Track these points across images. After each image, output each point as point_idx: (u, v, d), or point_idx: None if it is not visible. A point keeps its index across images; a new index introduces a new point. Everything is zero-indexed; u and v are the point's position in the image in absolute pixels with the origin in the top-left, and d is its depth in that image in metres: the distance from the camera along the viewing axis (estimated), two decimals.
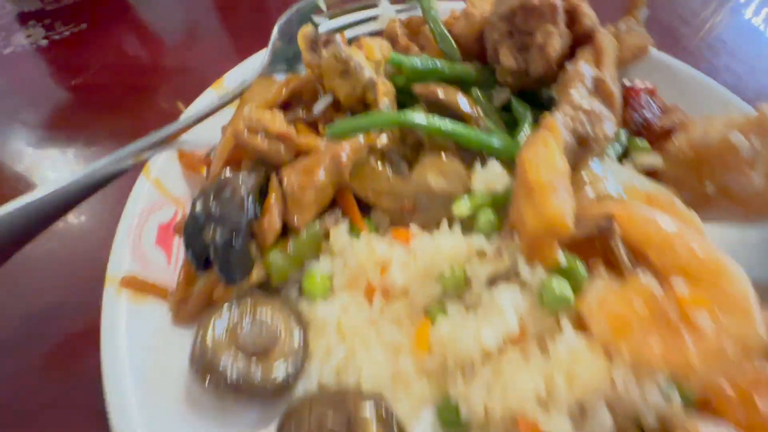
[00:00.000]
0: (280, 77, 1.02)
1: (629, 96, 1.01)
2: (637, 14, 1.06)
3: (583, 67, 0.81)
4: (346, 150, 0.75)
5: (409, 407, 0.68)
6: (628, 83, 1.07)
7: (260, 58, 1.04)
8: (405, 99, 0.98)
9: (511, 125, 0.97)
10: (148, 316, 0.70)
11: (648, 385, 0.58)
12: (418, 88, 0.83)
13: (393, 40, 1.07)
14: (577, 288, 0.65)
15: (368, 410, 0.57)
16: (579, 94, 0.77)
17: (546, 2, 0.86)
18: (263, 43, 1.23)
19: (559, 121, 0.74)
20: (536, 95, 0.99)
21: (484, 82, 1.01)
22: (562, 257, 0.64)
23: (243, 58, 1.53)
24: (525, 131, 0.89)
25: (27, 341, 0.85)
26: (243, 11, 1.69)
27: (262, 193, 0.75)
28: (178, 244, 0.79)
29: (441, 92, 0.81)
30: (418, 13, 1.12)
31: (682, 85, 1.08)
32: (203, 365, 0.59)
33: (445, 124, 0.79)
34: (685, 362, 0.54)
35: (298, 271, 0.76)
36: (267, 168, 0.77)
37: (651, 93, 1.08)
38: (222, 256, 0.64)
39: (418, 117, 0.78)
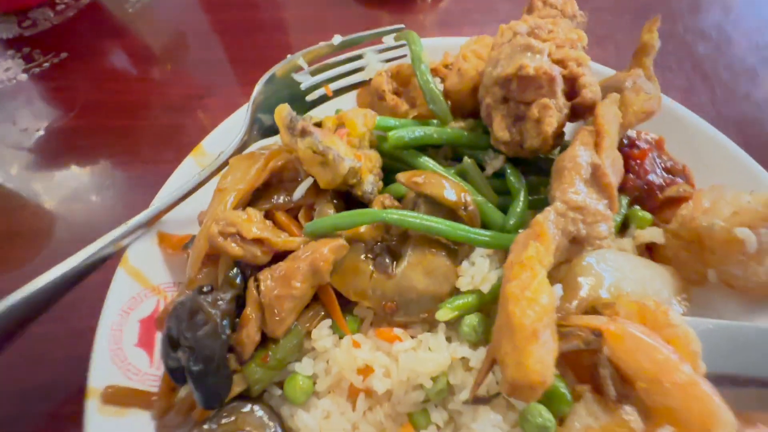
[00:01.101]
0: (263, 142, 0.98)
1: (633, 159, 0.94)
2: (647, 62, 0.97)
3: (580, 152, 0.75)
4: (324, 254, 0.71)
5: None
6: (633, 135, 1.00)
7: (240, 119, 0.98)
8: (393, 164, 0.94)
9: (505, 191, 0.92)
10: (131, 429, 0.70)
11: None
12: (401, 178, 0.78)
13: (380, 96, 1.01)
14: (559, 411, 0.64)
15: None
16: (574, 189, 0.72)
17: (544, 73, 0.79)
18: (252, 74, 1.17)
19: (550, 222, 0.69)
20: (533, 160, 0.93)
21: (475, 144, 0.95)
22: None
23: (230, 82, 1.47)
24: (519, 209, 0.84)
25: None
26: (231, 35, 1.59)
27: (240, 298, 0.73)
28: (159, 342, 0.79)
29: (425, 184, 0.76)
30: (407, 57, 1.05)
31: (692, 139, 1.00)
32: None
33: (428, 221, 0.74)
34: None
35: (279, 372, 0.75)
36: (244, 269, 0.74)
37: (658, 146, 1.01)
38: (197, 385, 0.64)
39: (399, 214, 0.74)
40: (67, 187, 1.25)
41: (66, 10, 1.68)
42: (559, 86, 0.81)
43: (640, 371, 0.61)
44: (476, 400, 0.65)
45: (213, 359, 0.64)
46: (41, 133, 1.36)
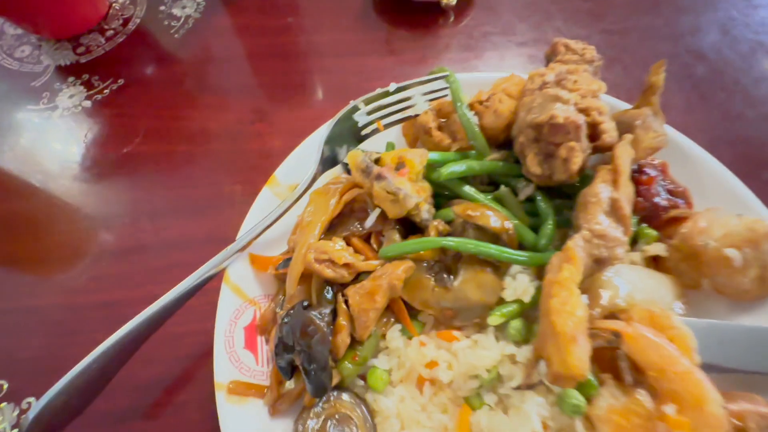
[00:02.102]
0: (328, 173, 1.15)
1: (641, 184, 1.12)
2: (655, 101, 1.14)
3: (602, 189, 0.93)
4: (399, 274, 0.90)
5: None
6: (641, 162, 1.18)
7: (305, 150, 1.15)
8: (440, 191, 1.11)
9: (534, 214, 1.10)
10: (252, 413, 0.90)
11: None
12: (457, 210, 0.96)
13: (426, 132, 1.17)
14: (589, 396, 0.83)
15: None
16: (596, 219, 0.90)
17: (571, 122, 0.96)
18: (296, 97, 1.28)
19: (579, 247, 0.87)
20: (558, 190, 1.11)
21: (510, 173, 1.13)
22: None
23: (277, 107, 1.61)
24: (548, 230, 1.02)
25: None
26: (272, 58, 1.73)
27: (333, 312, 0.91)
28: (260, 346, 0.98)
29: (476, 215, 0.94)
30: (446, 91, 1.21)
31: (691, 165, 1.18)
32: None
33: (476, 246, 0.93)
34: None
35: (363, 368, 0.94)
36: (333, 286, 0.93)
37: (662, 170, 1.18)
38: (311, 380, 0.83)
39: (456, 242, 0.92)
40: (140, 211, 1.39)
41: (115, 35, 1.81)
42: (584, 132, 0.98)
43: (650, 363, 0.80)
44: (524, 387, 0.85)
45: (322, 360, 0.83)
46: (111, 158, 1.51)
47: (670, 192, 1.16)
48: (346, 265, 0.90)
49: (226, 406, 0.87)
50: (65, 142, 1.56)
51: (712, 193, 1.13)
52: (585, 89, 1.02)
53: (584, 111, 0.99)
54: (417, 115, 1.21)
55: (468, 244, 0.92)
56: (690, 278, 1.03)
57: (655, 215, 1.11)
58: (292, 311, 0.86)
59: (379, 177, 0.91)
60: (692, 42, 1.72)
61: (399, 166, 1.02)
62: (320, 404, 0.86)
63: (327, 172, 1.15)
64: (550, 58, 1.21)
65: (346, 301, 0.91)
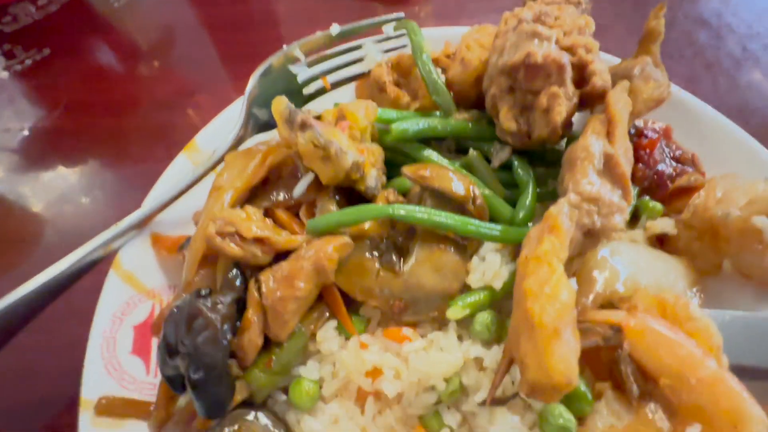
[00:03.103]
0: (259, 137, 0.94)
1: (642, 149, 0.92)
2: (655, 49, 0.94)
3: (593, 141, 0.72)
4: (329, 253, 0.68)
5: None
6: (640, 125, 0.98)
7: (235, 113, 0.94)
8: (396, 158, 0.90)
9: (513, 184, 0.89)
10: None
11: None
12: (407, 171, 0.75)
13: (380, 88, 0.97)
14: (580, 410, 0.61)
15: None
16: (587, 179, 0.69)
17: (552, 60, 0.76)
18: (244, 69, 1.11)
19: (564, 215, 0.66)
20: (539, 151, 0.90)
21: (481, 135, 0.92)
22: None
23: (219, 87, 1.42)
24: (528, 201, 0.81)
25: None
26: (223, 32, 1.54)
27: (241, 301, 0.69)
28: (156, 350, 0.75)
29: (433, 178, 0.73)
30: (407, 48, 1.01)
31: (700, 127, 0.98)
32: None
33: (436, 216, 0.71)
34: None
35: (284, 377, 0.72)
36: (244, 270, 0.71)
37: (666, 135, 0.98)
38: (198, 394, 0.60)
39: (405, 210, 0.71)
40: (55, 189, 1.20)
41: (48, 5, 1.61)
42: (569, 74, 0.78)
43: (663, 367, 0.58)
44: (493, 402, 0.62)
45: (214, 366, 0.60)
46: (25, 133, 1.30)
47: (675, 159, 0.95)
48: (259, 241, 0.68)
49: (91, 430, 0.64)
50: None
51: (727, 158, 0.93)
52: (569, 24, 0.82)
53: (569, 49, 0.79)
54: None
55: (419, 212, 0.71)
56: (706, 261, 0.82)
57: (660, 185, 0.91)
58: (180, 302, 0.64)
59: (304, 126, 0.69)
60: (691, 8, 1.54)
61: (339, 121, 0.81)
62: (217, 429, 0.63)
63: (258, 137, 0.94)
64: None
65: (260, 290, 0.68)
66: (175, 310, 0.62)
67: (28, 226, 1.16)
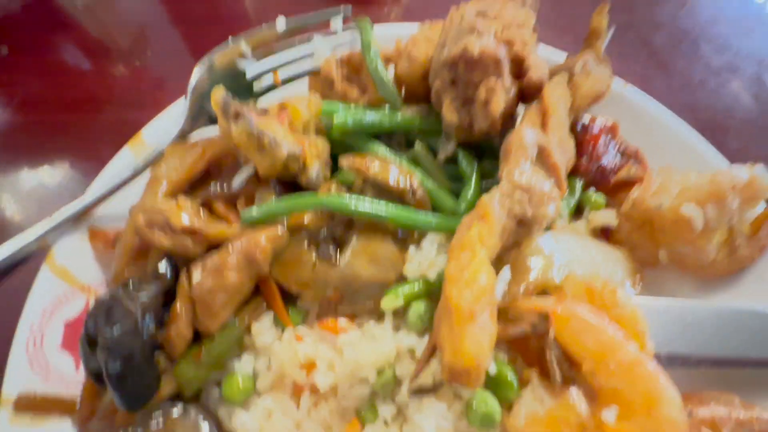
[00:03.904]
0: (205, 132, 0.93)
1: (586, 143, 0.93)
2: (598, 45, 0.96)
3: (527, 132, 0.73)
4: (260, 243, 0.67)
5: None
6: (586, 121, 0.99)
7: (180, 113, 0.93)
8: (345, 151, 0.90)
9: (460, 178, 0.90)
10: None
11: None
12: (344, 162, 0.75)
13: (329, 84, 0.97)
14: (506, 397, 0.61)
15: None
16: (519, 169, 0.70)
17: (488, 55, 0.77)
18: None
19: (495, 203, 0.66)
20: (485, 146, 0.91)
21: (428, 129, 0.92)
22: (492, 367, 0.59)
23: (178, 83, 1.42)
24: (470, 193, 0.82)
25: None
26: (193, 25, 1.54)
27: (170, 293, 0.68)
28: None
29: (370, 167, 0.73)
30: (358, 44, 1.02)
31: (646, 123, 1.00)
32: None
33: (370, 206, 0.71)
34: None
35: (217, 372, 0.70)
36: (176, 262, 0.70)
37: (612, 130, 1.00)
38: (115, 386, 0.58)
39: (339, 200, 0.71)
40: (1, 184, 1.17)
41: (9, 3, 1.59)
42: (506, 67, 0.79)
43: (585, 352, 0.58)
44: (418, 391, 0.62)
45: (132, 358, 0.58)
46: None
47: (621, 153, 0.97)
48: (190, 232, 0.67)
49: (9, 428, 0.62)
50: None
51: (670, 152, 0.95)
52: (508, 20, 0.83)
53: (507, 43, 0.81)
54: None
55: (350, 202, 0.70)
56: (646, 252, 0.83)
57: (603, 178, 0.92)
58: (103, 294, 0.62)
59: (237, 116, 0.69)
60: (648, 11, 1.59)
61: (280, 111, 0.81)
62: (141, 425, 0.62)
63: (204, 131, 0.93)
64: None
65: (189, 281, 0.67)
66: (96, 302, 0.61)
67: None
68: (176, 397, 0.67)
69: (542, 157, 0.72)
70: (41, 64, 1.42)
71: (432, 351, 0.59)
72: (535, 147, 0.73)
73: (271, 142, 0.70)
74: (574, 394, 0.57)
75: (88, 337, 0.61)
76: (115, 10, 1.60)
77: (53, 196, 1.15)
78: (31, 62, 1.42)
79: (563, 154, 0.76)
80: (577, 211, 0.91)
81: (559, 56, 1.07)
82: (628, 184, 0.90)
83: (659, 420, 0.52)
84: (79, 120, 1.30)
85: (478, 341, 0.50)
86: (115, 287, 0.63)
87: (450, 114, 0.83)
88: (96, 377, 0.63)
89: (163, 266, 0.66)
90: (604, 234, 0.90)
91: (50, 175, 1.19)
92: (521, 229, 0.71)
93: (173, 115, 0.96)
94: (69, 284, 0.76)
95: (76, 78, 1.41)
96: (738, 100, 1.36)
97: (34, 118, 1.29)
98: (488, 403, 0.59)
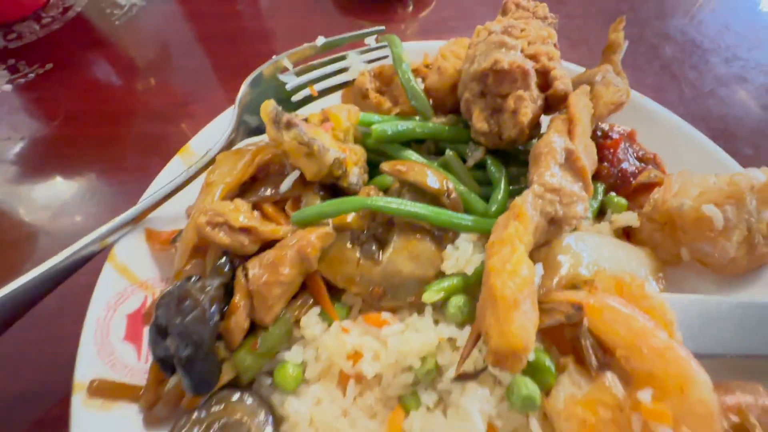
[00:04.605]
0: (249, 141, 1.00)
1: (606, 149, 0.99)
2: (615, 59, 1.02)
3: (555, 138, 0.79)
4: (311, 241, 0.73)
5: None
6: (606, 128, 1.05)
7: (227, 120, 1.01)
8: (379, 159, 0.96)
9: (487, 183, 0.95)
10: (118, 422, 0.69)
11: None
12: (385, 167, 0.81)
13: (363, 95, 1.04)
14: (545, 383, 0.65)
15: None
16: (550, 172, 0.75)
17: (517, 67, 0.83)
18: (235, 81, 1.19)
19: (528, 203, 0.72)
20: (512, 154, 0.97)
21: (458, 138, 0.99)
22: (531, 353, 0.64)
23: (213, 95, 1.50)
24: (500, 196, 0.87)
25: None
26: (216, 44, 1.64)
27: (229, 287, 0.73)
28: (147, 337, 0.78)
29: (409, 173, 0.79)
30: (389, 58, 1.09)
31: (662, 130, 1.06)
32: None
33: (411, 206, 0.77)
34: None
35: (269, 362, 0.75)
36: (232, 260, 0.75)
37: (630, 138, 1.06)
38: (186, 371, 0.64)
39: (383, 201, 0.76)
40: (50, 196, 1.24)
41: (52, 23, 1.70)
42: (533, 79, 0.85)
43: (619, 340, 0.63)
44: (462, 377, 0.66)
45: (201, 344, 0.64)
46: (24, 142, 1.35)
47: (639, 159, 1.02)
48: (246, 231, 0.73)
49: (83, 413, 0.67)
50: None
51: (686, 157, 1.01)
52: (533, 36, 0.90)
53: (533, 57, 0.87)
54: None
55: (395, 203, 0.76)
56: (668, 251, 0.88)
57: (624, 182, 0.97)
58: (170, 287, 0.68)
59: (289, 125, 0.75)
60: (658, 25, 1.66)
61: (323, 122, 0.87)
62: (204, 408, 0.67)
63: (248, 140, 1.00)
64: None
65: (247, 276, 0.73)
66: (166, 294, 0.67)
67: (22, 232, 1.19)
68: (232, 384, 0.72)
69: (570, 161, 0.78)
70: (81, 79, 1.52)
71: (477, 338, 0.64)
72: (563, 152, 0.78)
73: (320, 149, 0.76)
74: (610, 377, 0.61)
75: (157, 326, 0.66)
76: (146, 30, 1.70)
77: (97, 204, 1.21)
78: (71, 78, 1.51)
79: (588, 158, 0.82)
80: (600, 214, 0.96)
81: (575, 69, 1.14)
82: (648, 187, 0.95)
83: (692, 401, 0.57)
84: (117, 132, 1.38)
85: (523, 325, 0.55)
86: (182, 280, 0.69)
87: (480, 123, 0.89)
88: (162, 364, 0.68)
89: (224, 263, 0.72)
90: (627, 235, 0.95)
91: (94, 184, 1.25)
92: (552, 228, 0.76)
93: (217, 126, 1.03)
94: (129, 281, 0.82)
95: (111, 93, 1.50)
96: (747, 110, 1.41)
97: (77, 131, 1.37)
98: (528, 386, 0.63)
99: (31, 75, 1.51)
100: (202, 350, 0.64)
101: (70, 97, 1.46)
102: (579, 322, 0.67)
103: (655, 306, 0.67)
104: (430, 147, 1.03)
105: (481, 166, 0.96)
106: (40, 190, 1.26)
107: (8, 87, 1.48)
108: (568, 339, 0.69)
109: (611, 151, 0.98)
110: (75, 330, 0.77)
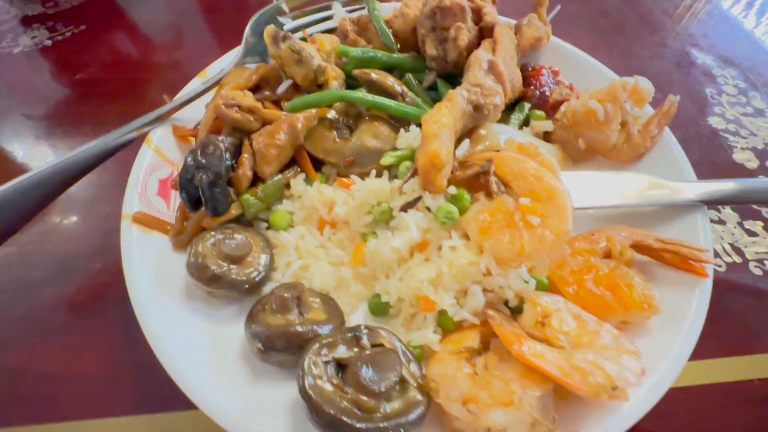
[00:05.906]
0: (252, 66, 1.27)
1: (532, 77, 1.27)
2: (542, 11, 1.32)
3: (481, 53, 1.07)
4: (300, 119, 1.00)
5: (349, 303, 0.94)
6: (537, 67, 1.33)
7: (237, 52, 1.28)
8: (353, 83, 1.24)
9: (438, 101, 1.23)
10: (154, 244, 0.94)
11: (511, 273, 0.84)
12: (356, 72, 1.08)
13: (344, 35, 1.32)
14: (463, 210, 0.92)
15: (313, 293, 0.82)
16: (476, 74, 1.03)
17: (455, 3, 1.12)
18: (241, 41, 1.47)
19: (459, 94, 0.99)
20: (457, 78, 1.25)
21: (417, 68, 1.26)
22: (453, 189, 0.90)
23: (224, 53, 1.78)
24: None
25: (59, 277, 1.10)
26: (225, 13, 1.92)
27: (237, 154, 1.00)
28: (174, 196, 1.04)
29: (374, 75, 1.06)
30: (365, 10, 1.37)
31: (579, 67, 1.34)
32: (195, 266, 0.84)
33: (376, 98, 1.04)
34: (521, 249, 0.80)
35: (265, 212, 1.01)
36: (240, 134, 1.02)
37: (554, 73, 1.34)
38: (208, 194, 0.89)
39: (360, 94, 1.03)
40: (89, 122, 1.50)
41: None
42: (468, 14, 1.14)
43: (513, 174, 0.90)
44: (405, 207, 0.92)
45: (219, 175, 0.90)
46: (64, 81, 1.62)
47: (558, 86, 1.30)
48: (252, 111, 1.00)
49: (129, 232, 0.92)
50: (23, 71, 1.67)
51: (594, 86, 1.28)
52: None
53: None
54: None
55: (366, 96, 1.03)
56: (571, 144, 1.15)
57: (544, 101, 1.25)
58: (196, 144, 0.94)
59: (285, 38, 1.03)
60: (599, 3, 1.97)
61: (311, 43, 1.15)
62: (220, 230, 0.92)
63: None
64: None
65: (251, 143, 0.99)
66: (195, 147, 0.93)
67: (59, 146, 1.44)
68: (239, 221, 0.98)
69: (491, 68, 1.06)
70: (110, 37, 1.79)
71: (413, 173, 0.90)
72: (486, 62, 1.06)
73: (308, 55, 1.03)
74: (505, 197, 0.88)
75: (186, 170, 0.92)
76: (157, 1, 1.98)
77: None
78: (102, 37, 1.79)
79: (507, 69, 1.09)
80: (525, 123, 1.23)
81: (511, 21, 1.42)
82: (561, 103, 1.23)
83: (556, 202, 0.83)
84: (146, 76, 1.64)
85: (440, 146, 0.82)
86: (205, 137, 0.95)
87: (431, 49, 1.17)
88: (189, 197, 0.94)
89: (234, 131, 0.98)
90: (544, 138, 1.22)
91: (121, 117, 1.51)
92: (477, 114, 1.03)
93: (228, 59, 1.30)
94: (161, 158, 1.08)
95: (140, 47, 1.77)
96: (664, 67, 1.71)
97: (110, 75, 1.64)
98: (450, 207, 0.89)
99: (68, 33, 1.79)
100: (220, 180, 0.90)
101: (102, 49, 1.73)
102: (489, 171, 0.94)
103: (545, 160, 0.94)
104: (396, 77, 1.31)
105: (433, 88, 1.24)
106: (83, 116, 1.51)
107: (49, 42, 1.76)
108: (482, 183, 0.95)
109: (536, 78, 1.27)
110: (121, 189, 1.02)
